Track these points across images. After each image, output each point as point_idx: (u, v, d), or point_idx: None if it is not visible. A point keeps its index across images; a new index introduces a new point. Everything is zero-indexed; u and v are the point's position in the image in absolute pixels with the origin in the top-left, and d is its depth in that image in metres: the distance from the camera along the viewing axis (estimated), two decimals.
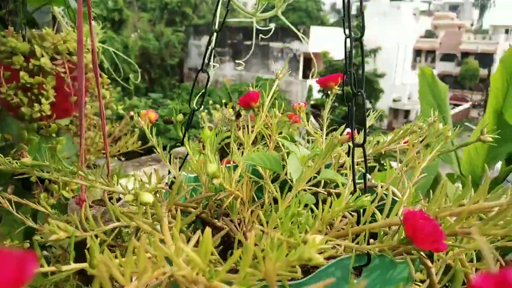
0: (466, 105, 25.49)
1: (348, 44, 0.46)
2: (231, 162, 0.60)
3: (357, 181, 0.43)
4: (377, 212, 0.40)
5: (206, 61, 0.55)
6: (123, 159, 1.74)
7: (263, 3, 0.69)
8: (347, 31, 0.46)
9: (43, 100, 0.68)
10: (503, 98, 1.36)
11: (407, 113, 23.07)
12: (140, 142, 1.29)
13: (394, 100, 21.86)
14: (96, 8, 15.90)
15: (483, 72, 27.02)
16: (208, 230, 0.25)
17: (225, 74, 18.57)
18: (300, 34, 0.81)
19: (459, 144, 0.58)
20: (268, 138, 0.59)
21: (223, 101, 2.21)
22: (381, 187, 0.49)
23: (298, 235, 0.29)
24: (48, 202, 0.79)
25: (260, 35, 0.79)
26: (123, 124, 1.21)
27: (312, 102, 16.15)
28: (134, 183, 0.59)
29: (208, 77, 0.55)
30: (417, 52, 29.67)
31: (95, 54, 0.54)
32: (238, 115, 0.59)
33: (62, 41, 0.73)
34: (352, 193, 0.38)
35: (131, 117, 1.23)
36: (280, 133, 1.99)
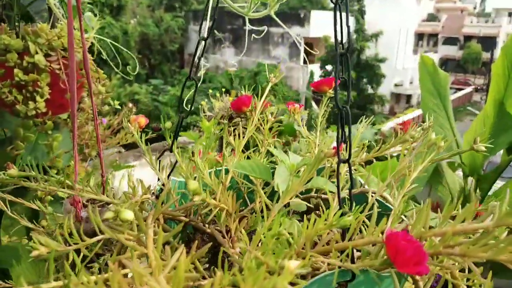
0: (469, 89, 25.35)
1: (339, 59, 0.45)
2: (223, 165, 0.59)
3: (347, 190, 0.42)
4: (364, 226, 0.39)
5: (194, 68, 0.54)
6: (123, 150, 1.74)
7: (256, 3, 0.68)
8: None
9: (38, 98, 0.67)
10: (504, 87, 1.35)
11: (408, 97, 22.96)
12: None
13: (396, 85, 21.73)
14: None
15: (485, 55, 26.76)
16: (183, 253, 0.25)
17: (225, 59, 18.44)
18: (295, 37, 0.80)
19: (450, 153, 0.57)
20: (260, 144, 0.58)
21: (223, 89, 2.19)
22: (373, 194, 0.48)
23: (275, 260, 0.29)
24: (46, 198, 0.79)
25: (253, 36, 0.77)
26: (122, 116, 1.20)
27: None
28: (129, 183, 0.58)
29: (196, 85, 0.54)
30: (419, 36, 29.35)
31: (85, 51, 0.53)
32: (230, 118, 0.58)
33: (56, 37, 0.72)
34: (340, 206, 0.37)
35: (130, 109, 1.22)
36: (280, 133, 1.94)
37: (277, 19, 0.84)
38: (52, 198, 0.79)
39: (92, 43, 1.03)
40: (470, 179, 1.52)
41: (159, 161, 0.53)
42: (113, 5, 16.44)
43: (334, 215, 0.36)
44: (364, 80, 16.04)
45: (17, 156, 0.74)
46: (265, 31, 0.96)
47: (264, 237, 0.33)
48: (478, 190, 1.50)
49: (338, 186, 0.40)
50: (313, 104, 14.37)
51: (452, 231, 0.32)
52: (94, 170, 1.23)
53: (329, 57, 15.84)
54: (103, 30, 15.67)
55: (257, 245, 0.34)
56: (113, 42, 1.27)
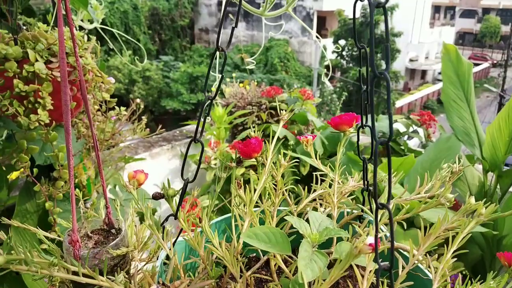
0: (486, 64, 24.65)
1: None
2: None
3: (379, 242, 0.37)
4: None
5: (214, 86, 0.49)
6: (134, 140, 1.71)
7: (271, 2, 0.62)
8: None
9: (39, 111, 0.63)
10: None
11: (423, 73, 22.44)
12: (148, 129, 1.25)
13: (411, 60, 21.20)
14: None
15: (505, 29, 25.85)
16: None
17: (236, 34, 18.12)
18: (314, 36, 0.74)
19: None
20: (273, 194, 0.52)
21: (234, 74, 2.13)
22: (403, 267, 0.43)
23: None
24: (54, 211, 0.77)
25: (270, 33, 0.72)
26: (130, 111, 1.16)
27: (326, 63, 15.75)
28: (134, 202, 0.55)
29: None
30: (436, 8, 28.38)
31: (78, 60, 0.48)
32: (239, 162, 0.53)
33: (57, 41, 0.67)
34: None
35: (138, 105, 1.18)
36: (293, 121, 1.90)
37: (296, 16, 0.78)
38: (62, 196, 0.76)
39: (97, 41, 0.98)
40: (490, 174, 1.46)
41: (163, 227, 0.48)
42: None
43: None
44: (378, 55, 15.67)
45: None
46: (282, 27, 0.90)
47: None
48: (498, 186, 1.45)
49: (376, 243, 0.35)
50: (326, 80, 14.12)
51: None
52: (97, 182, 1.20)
53: (342, 31, 15.44)
54: (112, 5, 15.49)
55: None
56: (114, 31, 1.22)
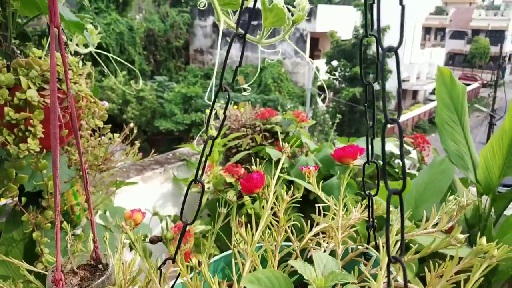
0: (476, 84, 25.06)
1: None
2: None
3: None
4: None
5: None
6: (126, 164, 1.69)
7: (267, 30, 0.62)
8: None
9: (29, 140, 0.62)
10: None
11: (415, 93, 22.74)
12: (140, 154, 1.24)
13: (403, 80, 21.49)
14: None
15: (494, 50, 26.42)
16: None
17: (230, 55, 18.28)
18: (307, 59, 0.74)
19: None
20: (275, 231, 0.51)
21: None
22: None
23: None
24: (42, 241, 0.75)
25: (266, 60, 0.72)
26: (122, 136, 1.15)
27: (318, 84, 15.92)
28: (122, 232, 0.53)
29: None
30: (427, 30, 29.02)
31: (69, 91, 0.47)
32: (239, 196, 0.52)
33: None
34: None
35: (131, 130, 1.17)
36: (287, 134, 1.86)
37: (291, 43, 0.78)
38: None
39: (92, 64, 0.98)
40: (484, 197, 1.46)
41: (160, 270, 0.46)
42: (119, 0, 16.37)
43: None
44: (371, 76, 15.87)
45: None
46: (279, 53, 0.90)
47: None
48: (493, 210, 1.44)
49: None
50: (319, 100, 14.25)
51: None
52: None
53: (335, 52, 15.67)
54: (108, 26, 15.65)
55: None
56: (108, 54, 1.22)
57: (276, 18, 0.59)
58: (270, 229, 0.51)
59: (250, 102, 2.19)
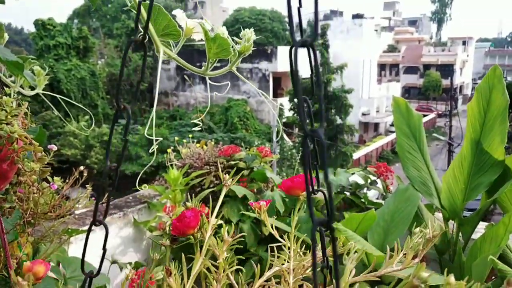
0: (432, 115, 26.34)
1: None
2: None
3: None
4: None
5: None
6: (77, 212, 1.59)
7: (212, 61, 0.59)
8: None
9: None
10: (481, 126, 1.32)
11: (376, 125, 23.56)
12: (93, 198, 1.15)
13: (363, 114, 22.29)
14: (59, 36, 15.57)
15: (445, 82, 28.07)
16: None
17: (195, 96, 18.44)
18: (259, 91, 0.72)
19: None
20: (214, 279, 0.45)
21: (190, 135, 2.09)
22: None
23: None
24: None
25: (215, 93, 0.69)
26: (72, 181, 1.07)
27: (284, 120, 16.20)
28: None
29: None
30: (382, 66, 30.61)
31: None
32: (173, 240, 0.47)
33: None
34: None
35: (81, 172, 1.09)
36: (253, 179, 1.83)
37: (239, 75, 0.76)
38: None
39: (37, 101, 0.92)
40: (451, 222, 1.46)
41: None
42: (79, 47, 16.29)
43: None
44: (333, 111, 16.36)
45: None
46: (228, 86, 0.88)
47: None
48: (460, 234, 1.44)
49: None
50: (285, 136, 14.43)
51: None
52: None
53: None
54: (69, 72, 15.45)
55: None
56: (63, 98, 1.16)
57: (219, 49, 0.57)
58: (207, 278, 0.45)
59: (213, 141, 2.15)
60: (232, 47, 0.54)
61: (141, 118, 17.77)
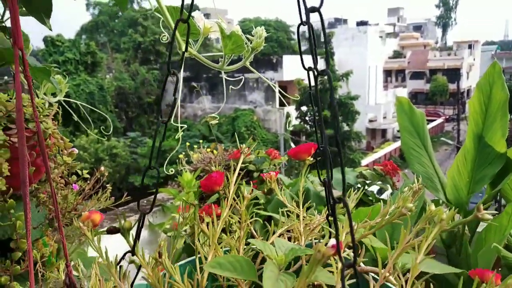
0: (440, 120, 26.20)
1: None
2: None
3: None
4: None
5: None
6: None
7: (229, 56, 0.65)
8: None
9: None
10: (482, 121, 1.36)
11: (384, 132, 23.49)
12: (113, 198, 1.21)
13: (370, 120, 22.25)
14: (68, 52, 15.88)
15: (452, 87, 27.97)
16: None
17: (203, 107, 18.61)
18: (270, 83, 0.78)
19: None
20: (238, 228, 0.51)
21: (201, 141, 2.15)
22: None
23: None
24: (11, 285, 0.71)
25: (230, 87, 0.75)
26: (93, 181, 1.13)
27: (291, 129, 16.27)
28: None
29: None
30: (387, 73, 30.61)
31: (38, 125, 0.48)
32: (201, 198, 0.53)
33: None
34: None
35: (102, 173, 1.16)
36: (262, 181, 1.86)
37: (252, 69, 0.82)
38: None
39: (59, 107, 0.99)
40: (457, 216, 1.49)
41: (120, 266, 0.46)
42: (87, 62, 16.59)
43: None
44: (340, 118, 16.38)
45: None
46: (242, 81, 0.94)
47: None
48: (466, 227, 1.47)
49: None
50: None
51: None
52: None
53: (303, 98, 16.18)
54: (78, 87, 15.71)
55: None
56: (83, 104, 1.23)
57: (235, 45, 0.63)
58: (231, 226, 0.51)
59: (223, 146, 2.21)
60: (246, 43, 0.61)
61: (149, 130, 17.95)
